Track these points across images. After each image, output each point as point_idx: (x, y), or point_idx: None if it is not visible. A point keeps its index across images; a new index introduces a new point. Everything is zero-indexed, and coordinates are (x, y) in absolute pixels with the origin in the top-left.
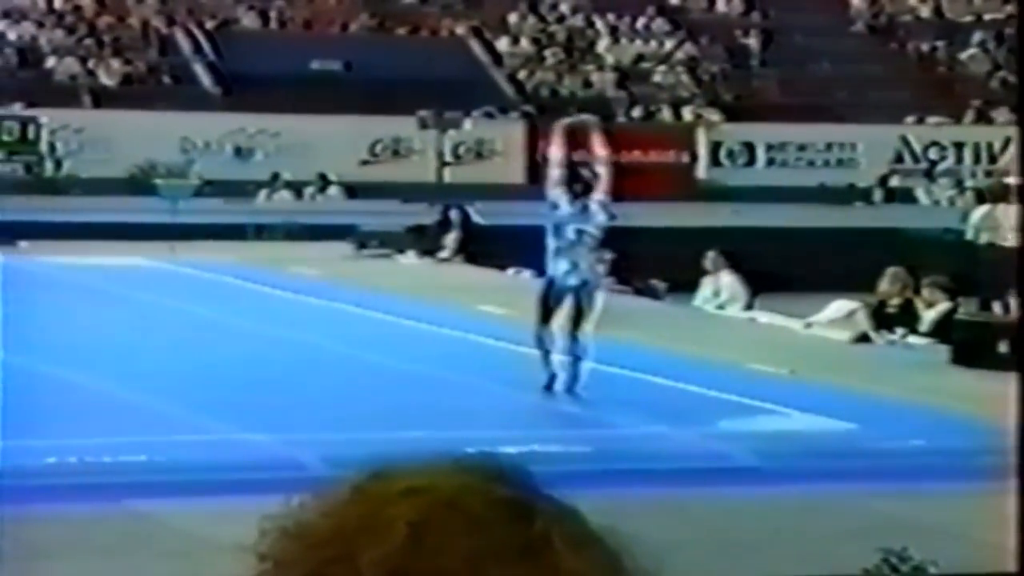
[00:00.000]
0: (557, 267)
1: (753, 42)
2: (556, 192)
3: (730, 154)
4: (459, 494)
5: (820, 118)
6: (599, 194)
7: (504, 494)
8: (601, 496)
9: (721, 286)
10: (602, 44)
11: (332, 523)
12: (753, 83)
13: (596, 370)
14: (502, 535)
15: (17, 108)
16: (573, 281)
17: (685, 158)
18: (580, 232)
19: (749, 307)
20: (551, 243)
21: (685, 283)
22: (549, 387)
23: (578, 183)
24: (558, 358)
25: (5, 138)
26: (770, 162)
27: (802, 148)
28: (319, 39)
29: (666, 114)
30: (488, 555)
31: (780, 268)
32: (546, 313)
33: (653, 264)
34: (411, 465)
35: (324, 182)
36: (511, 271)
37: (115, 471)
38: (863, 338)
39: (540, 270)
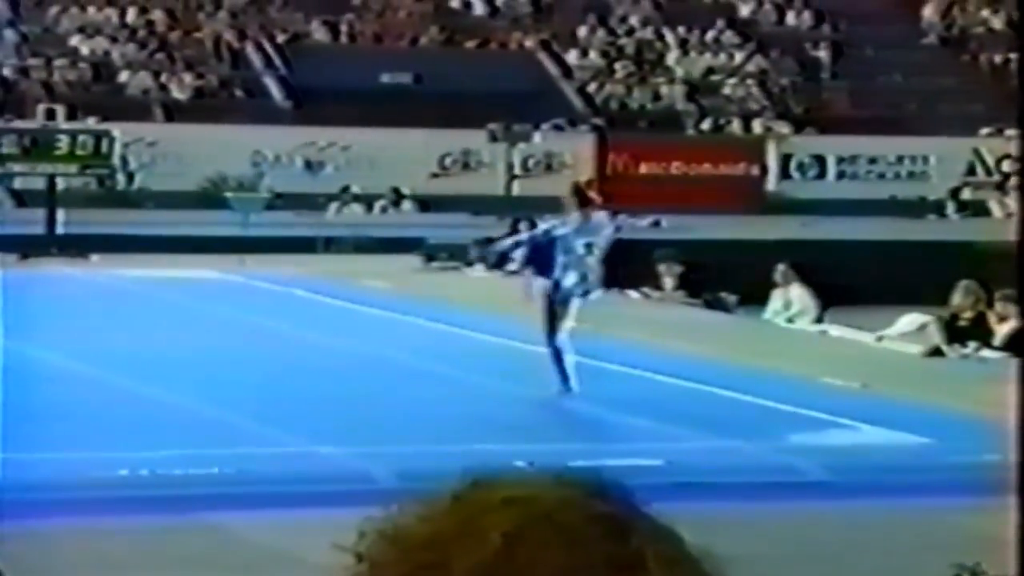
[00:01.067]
0: (566, 279)
1: (823, 54)
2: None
3: (800, 167)
4: (557, 507)
5: (891, 130)
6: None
7: (602, 510)
8: (671, 510)
9: (791, 299)
10: (672, 57)
11: (429, 529)
12: (823, 95)
13: (667, 384)
14: (596, 551)
15: (91, 122)
16: (579, 292)
17: (755, 171)
18: (589, 245)
19: (819, 320)
20: (560, 257)
21: (755, 296)
22: (566, 389)
23: (584, 200)
24: (571, 359)
25: (79, 152)
26: (841, 175)
27: (873, 161)
28: (389, 53)
29: (736, 127)
30: (580, 570)
31: (850, 281)
32: (552, 322)
33: (723, 277)
34: (512, 476)
35: (394, 195)
36: None
37: (187, 483)
38: (935, 352)
39: (609, 282)
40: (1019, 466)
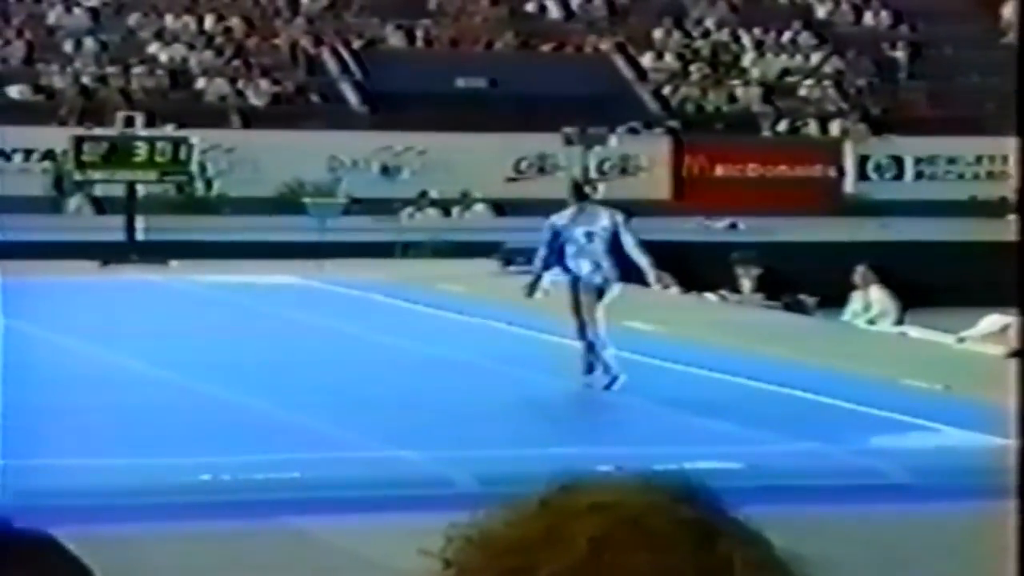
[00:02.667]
0: (580, 268)
1: (901, 55)
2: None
3: (878, 168)
4: (644, 512)
5: (969, 131)
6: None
7: (689, 515)
8: (753, 513)
9: (871, 301)
10: (747, 58)
11: (516, 534)
12: (901, 96)
13: (747, 386)
14: (683, 556)
15: (169, 129)
16: (598, 279)
17: (832, 172)
18: (589, 234)
19: (899, 322)
20: (567, 248)
21: (834, 298)
22: (590, 372)
23: (580, 195)
24: (611, 352)
25: (157, 159)
26: (919, 175)
27: (952, 161)
28: (465, 57)
29: (813, 128)
30: (667, 575)
31: (930, 282)
32: (579, 314)
33: (801, 279)
34: (599, 481)
35: (470, 199)
36: (657, 286)
37: (268, 488)
38: (1018, 353)
39: (687, 285)
40: (1019, 467)
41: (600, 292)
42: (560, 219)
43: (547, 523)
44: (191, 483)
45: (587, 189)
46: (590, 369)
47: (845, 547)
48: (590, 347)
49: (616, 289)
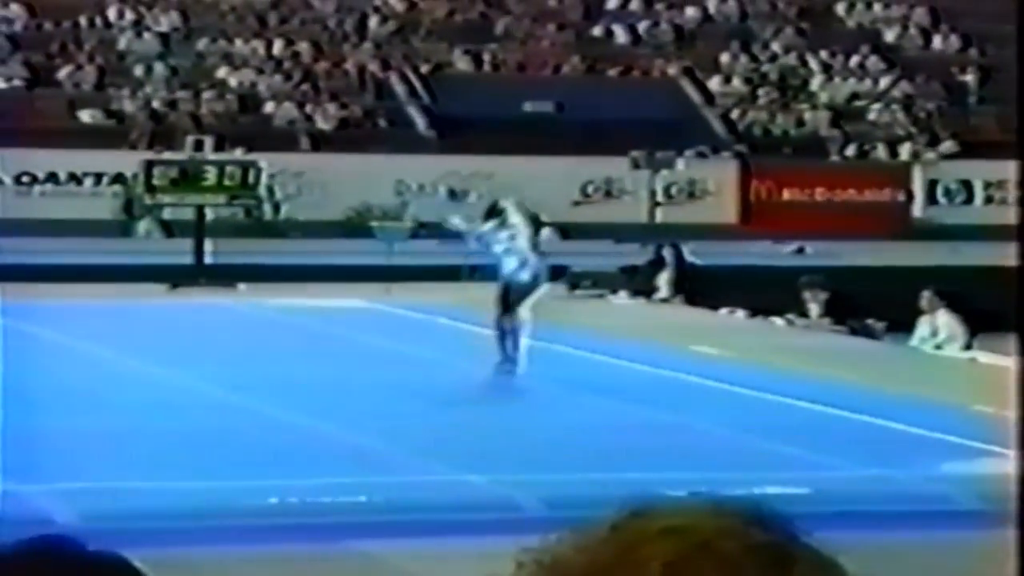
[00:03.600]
0: (507, 265)
1: (970, 79)
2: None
3: (947, 192)
4: (716, 537)
5: None
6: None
7: (762, 539)
8: (820, 539)
9: (938, 326)
10: (816, 82)
11: (587, 559)
12: (970, 120)
13: (814, 411)
14: None
15: (238, 153)
16: (525, 276)
17: (901, 196)
18: (512, 236)
19: (968, 347)
20: (495, 249)
21: (902, 323)
22: (504, 364)
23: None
24: (526, 342)
25: (226, 183)
26: (988, 200)
27: (1022, 185)
28: (531, 81)
29: (881, 152)
30: None
31: (999, 308)
32: (505, 305)
33: (869, 304)
34: (670, 506)
35: (537, 223)
36: (725, 311)
37: (335, 512)
38: None
39: (755, 309)
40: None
41: (527, 288)
42: (483, 228)
43: (619, 548)
44: (258, 506)
45: (502, 204)
46: (506, 358)
47: (913, 574)
48: (502, 336)
49: (544, 288)
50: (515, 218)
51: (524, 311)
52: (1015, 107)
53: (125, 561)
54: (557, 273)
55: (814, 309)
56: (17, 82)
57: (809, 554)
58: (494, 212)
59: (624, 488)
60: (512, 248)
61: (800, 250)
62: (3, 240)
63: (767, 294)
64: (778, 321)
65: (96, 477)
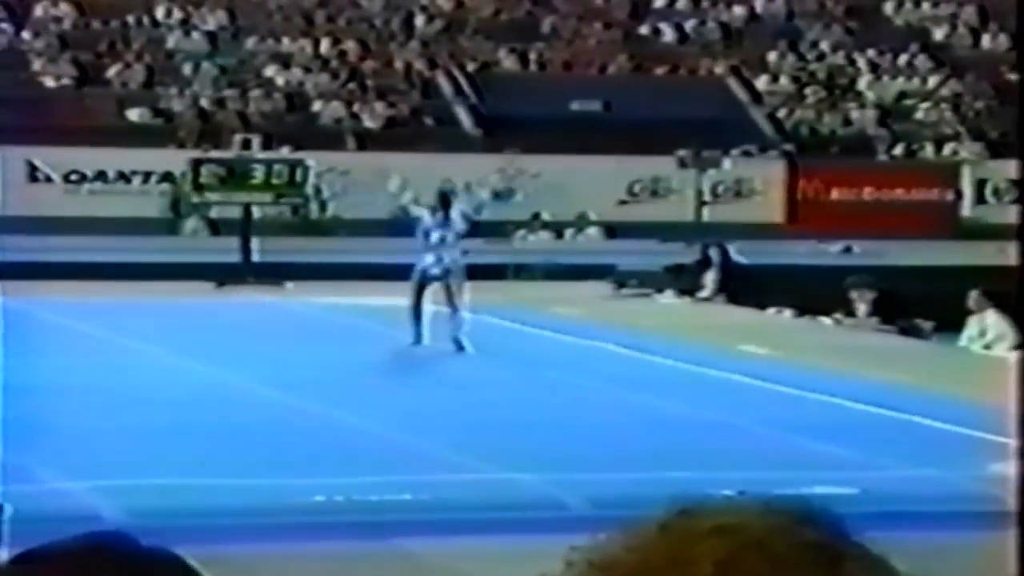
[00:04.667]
0: (425, 261)
1: (1019, 77)
2: (422, 211)
3: (996, 191)
4: (767, 535)
5: None
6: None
7: (813, 538)
8: (869, 539)
9: (987, 325)
10: (863, 81)
11: (638, 558)
12: (1019, 119)
13: (862, 411)
14: None
15: (285, 152)
16: (437, 271)
17: (949, 196)
18: (442, 237)
19: (1017, 347)
20: (420, 244)
21: (951, 322)
22: (417, 342)
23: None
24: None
25: (274, 181)
26: None
27: None
28: (578, 80)
29: (929, 151)
30: None
31: None
32: (418, 295)
33: (917, 303)
34: (719, 504)
35: (583, 222)
36: (772, 310)
37: (382, 510)
38: None
39: (801, 309)
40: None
41: (438, 279)
42: (426, 221)
43: (669, 547)
44: (305, 504)
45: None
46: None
47: (962, 574)
48: (418, 318)
49: (463, 281)
50: (455, 213)
51: (428, 304)
52: (1017, 110)
53: (179, 558)
54: (603, 272)
55: (862, 309)
56: (66, 81)
57: (860, 553)
58: (443, 202)
59: (670, 487)
60: (433, 248)
61: (847, 249)
62: (52, 238)
63: (814, 294)
64: (825, 321)
65: (143, 474)
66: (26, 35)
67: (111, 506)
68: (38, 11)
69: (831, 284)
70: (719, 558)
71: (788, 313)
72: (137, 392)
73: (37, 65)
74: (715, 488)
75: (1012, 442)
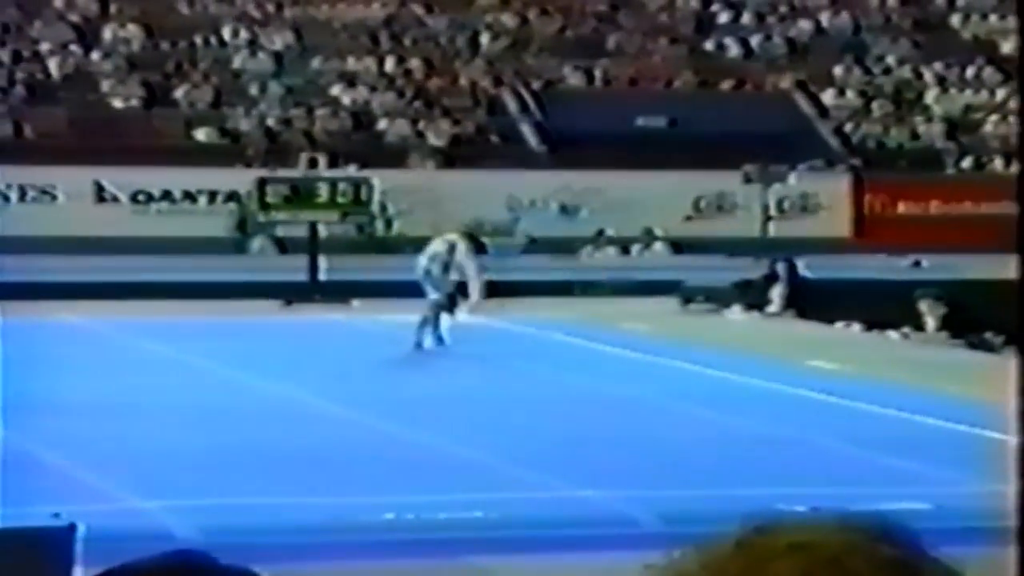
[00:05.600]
0: (427, 292)
1: None
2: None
3: None
4: (844, 552)
5: None
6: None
7: (890, 554)
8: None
9: None
10: (931, 95)
11: (713, 575)
12: None
13: (933, 426)
14: None
15: (351, 170)
16: (436, 296)
17: (1018, 209)
18: (427, 270)
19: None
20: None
21: (1021, 336)
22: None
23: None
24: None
25: (340, 199)
26: None
27: None
28: (644, 96)
29: (998, 164)
30: None
31: None
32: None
33: (987, 317)
34: (795, 521)
35: (649, 238)
36: (840, 325)
37: (452, 527)
38: None
39: (870, 323)
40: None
41: (441, 306)
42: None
43: (745, 564)
44: (375, 522)
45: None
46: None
47: None
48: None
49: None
50: (441, 250)
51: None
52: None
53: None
54: (669, 287)
55: (931, 323)
56: (135, 102)
57: (937, 569)
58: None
59: (741, 504)
60: (427, 279)
61: (917, 264)
62: (120, 258)
63: (882, 308)
64: (894, 335)
65: (215, 493)
66: (95, 57)
67: (183, 524)
68: (107, 33)
69: (899, 298)
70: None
71: (857, 328)
72: (206, 411)
73: (106, 86)
74: (786, 504)
75: None
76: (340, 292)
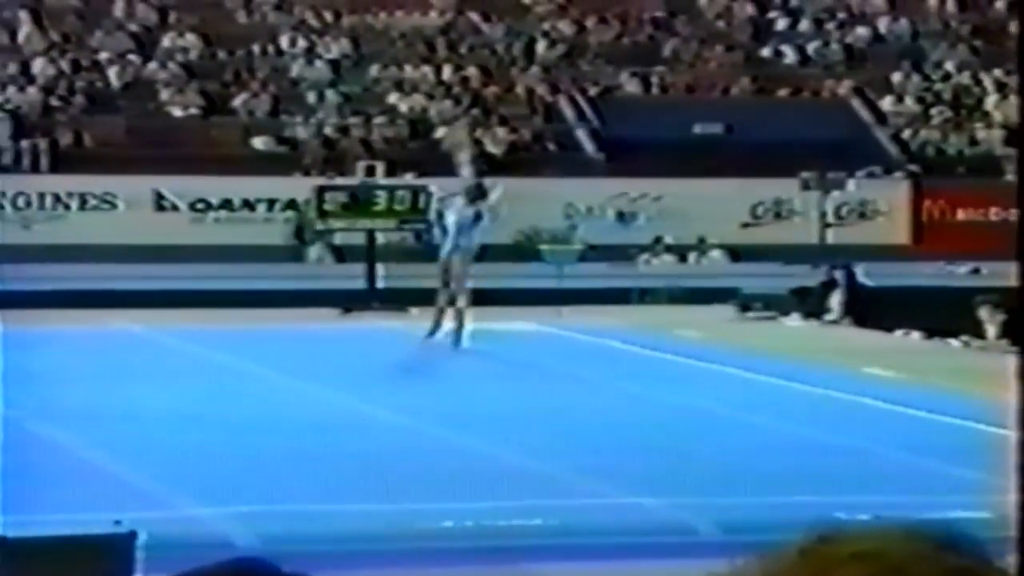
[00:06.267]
0: (446, 244)
1: None
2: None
3: None
4: (909, 561)
5: None
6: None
7: (955, 563)
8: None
9: None
10: (990, 101)
11: None
12: None
13: (994, 434)
14: None
15: (408, 178)
16: (458, 252)
17: None
18: (456, 221)
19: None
20: (450, 227)
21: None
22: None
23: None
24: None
25: (397, 207)
26: None
27: None
28: (700, 103)
29: None
30: None
31: None
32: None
33: None
34: (859, 530)
35: (706, 245)
36: (899, 332)
37: (511, 535)
38: None
39: (930, 331)
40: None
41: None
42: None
43: (809, 572)
44: (434, 529)
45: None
46: (437, 328)
47: None
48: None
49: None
50: (486, 219)
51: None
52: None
53: None
54: (727, 295)
55: (990, 330)
56: (193, 110)
57: None
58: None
59: (800, 512)
60: (456, 234)
61: (976, 270)
62: (179, 266)
63: (942, 315)
64: (954, 343)
65: (273, 500)
66: (154, 66)
67: (243, 532)
68: (165, 42)
69: (959, 305)
70: None
71: (916, 335)
72: (265, 419)
73: (165, 95)
74: (845, 512)
75: None
76: (398, 300)
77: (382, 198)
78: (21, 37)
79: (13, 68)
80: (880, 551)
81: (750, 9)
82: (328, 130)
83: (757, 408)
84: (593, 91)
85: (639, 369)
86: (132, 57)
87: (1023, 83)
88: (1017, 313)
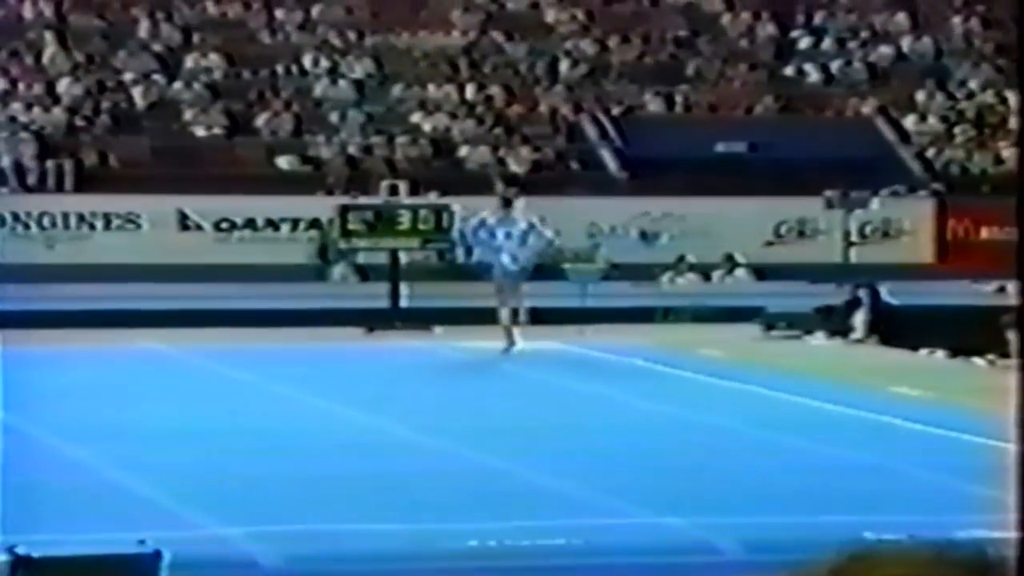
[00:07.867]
0: (500, 260)
1: None
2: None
3: None
4: None
5: None
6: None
7: None
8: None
9: None
10: (1014, 119)
11: None
12: None
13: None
14: None
15: (432, 197)
16: (514, 268)
17: None
18: (508, 233)
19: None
20: (499, 243)
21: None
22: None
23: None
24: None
25: (420, 227)
26: None
27: None
28: (724, 122)
29: None
30: None
31: None
32: (502, 297)
33: None
34: (890, 550)
35: (730, 264)
36: (924, 351)
37: (534, 555)
38: None
39: (955, 350)
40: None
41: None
42: (489, 219)
43: None
44: (458, 549)
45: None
46: (512, 342)
47: None
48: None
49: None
50: (522, 223)
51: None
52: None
53: None
54: (751, 314)
55: (1016, 349)
56: (217, 130)
57: None
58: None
59: (823, 531)
60: (505, 247)
61: (1001, 289)
62: (203, 285)
63: (967, 334)
64: (979, 362)
65: (298, 520)
66: (178, 86)
67: (268, 552)
68: (189, 62)
69: (984, 324)
70: None
71: (941, 354)
72: (289, 438)
73: (188, 115)
74: (871, 532)
75: None
76: (422, 319)
77: (405, 217)
78: (46, 58)
79: (38, 89)
80: (910, 573)
81: (773, 28)
82: (351, 149)
83: (782, 427)
84: (616, 110)
85: (663, 388)
86: (156, 77)
87: (1023, 84)
88: (1018, 329)
